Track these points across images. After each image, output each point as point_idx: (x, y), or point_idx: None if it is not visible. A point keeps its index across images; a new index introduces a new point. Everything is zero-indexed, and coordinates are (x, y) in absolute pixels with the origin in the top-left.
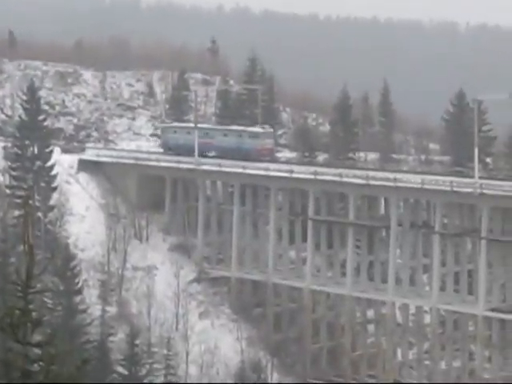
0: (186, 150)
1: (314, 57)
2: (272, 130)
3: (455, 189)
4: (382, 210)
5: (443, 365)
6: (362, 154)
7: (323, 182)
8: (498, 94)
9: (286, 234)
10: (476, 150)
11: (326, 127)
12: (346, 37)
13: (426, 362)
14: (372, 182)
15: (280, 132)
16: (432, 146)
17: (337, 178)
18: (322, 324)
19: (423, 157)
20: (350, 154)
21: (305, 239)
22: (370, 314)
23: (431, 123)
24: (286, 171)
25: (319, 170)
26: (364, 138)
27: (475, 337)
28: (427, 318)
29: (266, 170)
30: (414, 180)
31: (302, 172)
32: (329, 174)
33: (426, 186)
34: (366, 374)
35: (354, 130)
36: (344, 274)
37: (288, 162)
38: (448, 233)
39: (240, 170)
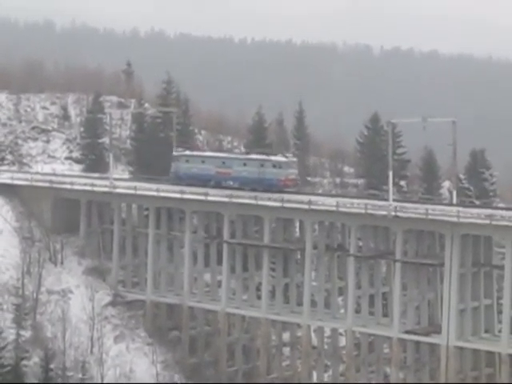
0: (199, 181)
1: (230, 80)
2: (295, 159)
3: (370, 211)
4: (297, 233)
5: None
6: None
7: (238, 205)
8: (411, 118)
9: (201, 257)
10: (390, 173)
11: (242, 150)
12: (261, 60)
13: None
14: (287, 205)
15: None
16: (346, 168)
17: (252, 201)
18: (238, 347)
19: (338, 180)
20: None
21: (220, 262)
22: (286, 336)
23: (346, 146)
24: (201, 194)
25: (234, 193)
26: None
27: (390, 359)
28: (342, 341)
29: (181, 193)
30: (328, 203)
31: (217, 195)
32: (244, 197)
33: (341, 209)
34: None
35: (269, 153)
36: (259, 297)
37: (203, 184)
38: (363, 255)
39: (154, 194)
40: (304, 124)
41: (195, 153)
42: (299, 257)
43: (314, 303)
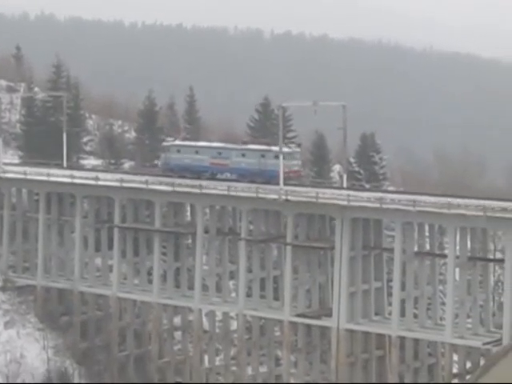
0: (193, 173)
1: (120, 64)
2: (299, 149)
3: (260, 195)
4: (188, 217)
5: (250, 370)
6: None
7: (129, 190)
8: (302, 102)
9: (91, 242)
10: (281, 158)
11: (132, 134)
12: (152, 43)
13: (233, 368)
14: (178, 189)
15: (85, 139)
16: None
17: (143, 186)
18: (129, 331)
19: None
20: (157, 161)
21: (111, 247)
22: (177, 320)
23: (237, 130)
24: (92, 178)
25: (125, 177)
26: None
27: (281, 342)
28: (234, 324)
29: (72, 177)
30: (219, 187)
31: (108, 179)
32: (135, 182)
33: (232, 193)
34: (174, 380)
35: (160, 137)
36: (150, 282)
37: (94, 169)
38: (254, 239)
39: (45, 178)
40: (195, 108)
41: (188, 142)
42: (190, 241)
43: (205, 287)
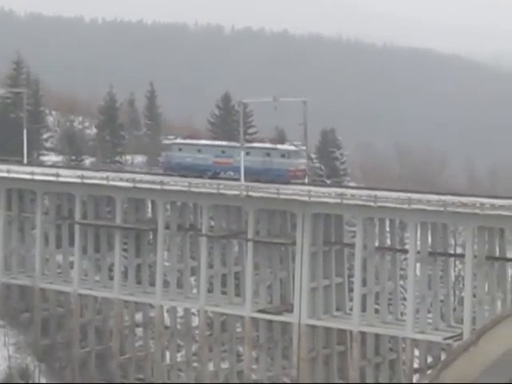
0: (195, 172)
1: (81, 60)
2: (305, 147)
3: (222, 191)
4: (150, 213)
5: (211, 366)
6: (128, 157)
7: (90, 186)
8: (263, 97)
9: (52, 239)
10: (242, 154)
11: (93, 130)
12: (113, 39)
13: (195, 364)
14: (139, 185)
15: (46, 136)
16: None
17: (104, 182)
18: (90, 328)
19: None
20: (117, 158)
21: (72, 243)
22: (139, 317)
23: (198, 126)
24: (52, 175)
25: (86, 173)
26: (131, 141)
27: (243, 338)
28: (195, 321)
29: (32, 173)
30: (180, 183)
31: (69, 176)
32: (96, 178)
33: (193, 189)
34: (135, 377)
35: (121, 134)
36: (112, 278)
37: (54, 165)
38: (215, 235)
39: (5, 175)
40: (155, 104)
41: (190, 141)
42: (151, 237)
43: (166, 283)
